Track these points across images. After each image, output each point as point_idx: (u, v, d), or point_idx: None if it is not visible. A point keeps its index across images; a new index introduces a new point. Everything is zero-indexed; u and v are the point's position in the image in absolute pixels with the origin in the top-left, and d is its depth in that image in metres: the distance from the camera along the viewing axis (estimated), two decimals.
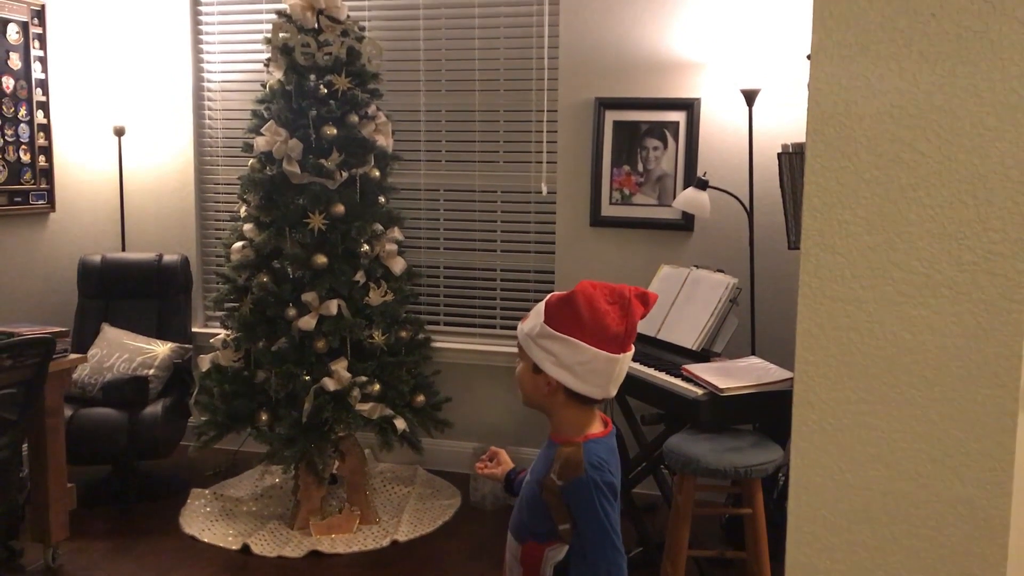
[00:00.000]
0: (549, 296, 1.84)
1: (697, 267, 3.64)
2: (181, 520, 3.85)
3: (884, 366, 1.51)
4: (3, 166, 4.15)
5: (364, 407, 3.64)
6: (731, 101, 3.89)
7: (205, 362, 3.81)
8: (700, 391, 3.03)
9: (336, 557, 3.58)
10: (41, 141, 4.34)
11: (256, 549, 3.59)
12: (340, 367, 3.62)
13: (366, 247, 3.75)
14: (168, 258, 4.45)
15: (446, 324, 4.50)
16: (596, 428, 1.86)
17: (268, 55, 3.77)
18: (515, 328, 1.92)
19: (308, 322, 3.59)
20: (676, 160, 4.02)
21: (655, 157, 4.06)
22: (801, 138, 1.53)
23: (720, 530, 3.76)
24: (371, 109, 3.80)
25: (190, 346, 4.32)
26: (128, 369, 4.06)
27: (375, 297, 3.72)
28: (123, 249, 4.77)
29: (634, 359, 3.31)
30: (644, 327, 3.56)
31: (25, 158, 4.26)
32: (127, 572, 3.44)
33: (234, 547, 3.62)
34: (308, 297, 3.61)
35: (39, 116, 4.31)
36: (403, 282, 3.92)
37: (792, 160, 3.41)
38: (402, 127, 4.36)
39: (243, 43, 4.60)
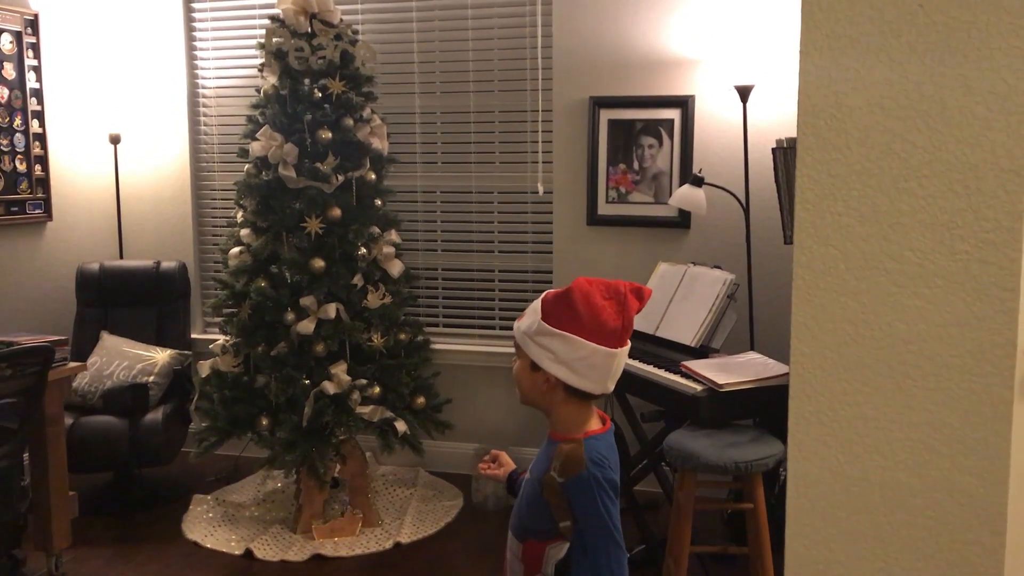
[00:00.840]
0: (545, 293, 1.84)
1: (694, 264, 3.64)
2: (183, 526, 3.86)
3: (879, 357, 1.51)
4: None
5: (364, 410, 3.65)
6: (725, 97, 3.90)
7: (205, 368, 3.82)
8: (699, 387, 3.03)
9: (339, 560, 3.58)
10: (37, 150, 4.34)
11: (259, 554, 3.59)
12: (340, 370, 3.62)
13: (363, 250, 3.75)
14: (166, 265, 4.45)
15: (445, 326, 4.51)
16: (595, 425, 1.86)
17: (262, 60, 3.78)
18: (514, 328, 1.92)
19: (307, 326, 3.60)
20: (672, 157, 4.03)
21: (651, 155, 4.06)
22: (795, 133, 1.54)
23: (722, 526, 3.76)
24: (366, 112, 3.81)
25: (189, 352, 4.33)
26: (128, 376, 4.06)
27: (373, 300, 3.72)
28: (121, 257, 4.77)
29: (633, 356, 3.33)
30: (642, 324, 3.57)
31: (21, 168, 4.26)
32: None
33: (237, 552, 3.62)
34: (306, 301, 3.61)
35: (34, 125, 4.32)
36: (401, 284, 3.92)
37: (787, 155, 3.42)
38: (397, 129, 4.37)
39: (237, 48, 4.61)
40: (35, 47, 4.31)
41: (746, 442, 2.95)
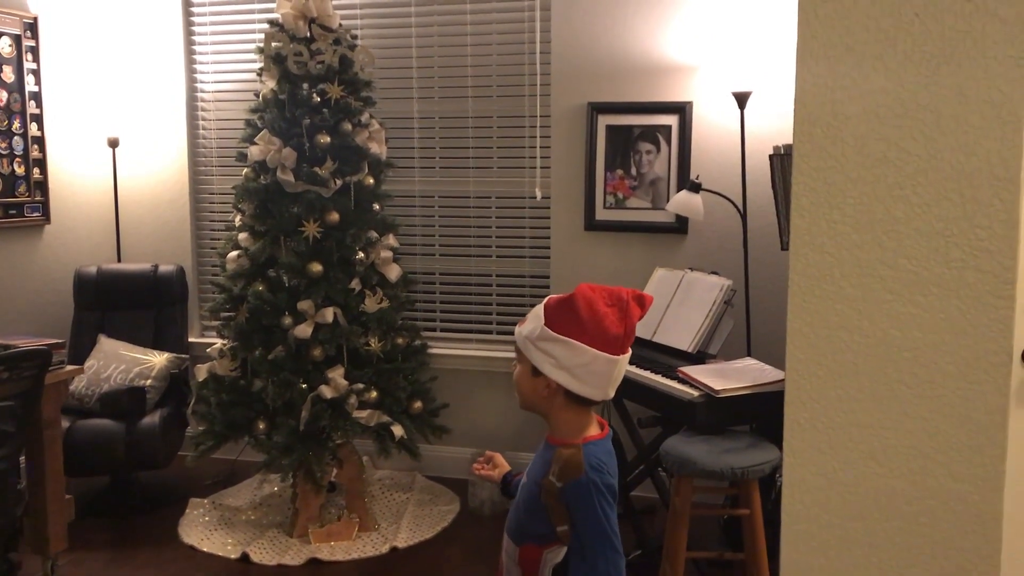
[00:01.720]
0: (548, 299, 1.85)
1: (692, 269, 3.65)
2: (180, 530, 3.85)
3: (874, 364, 1.52)
4: None
5: (361, 414, 3.65)
6: (723, 104, 3.91)
7: (202, 372, 3.81)
8: (696, 393, 3.04)
9: (335, 564, 3.58)
10: (35, 153, 4.34)
11: (255, 558, 3.59)
12: (337, 375, 3.63)
13: (361, 254, 3.75)
14: (164, 268, 4.45)
15: (442, 330, 4.51)
16: (594, 430, 1.87)
17: (261, 64, 3.78)
18: (512, 333, 1.93)
19: (304, 330, 3.60)
20: (669, 163, 4.04)
21: (648, 161, 4.07)
22: (792, 139, 1.55)
23: (718, 531, 3.76)
24: (364, 117, 3.81)
25: (187, 356, 4.32)
26: (125, 380, 4.06)
27: (371, 304, 3.73)
28: (119, 260, 4.77)
29: (631, 362, 3.33)
30: (640, 330, 3.57)
31: (19, 171, 4.27)
32: None
33: (233, 556, 3.62)
34: (304, 305, 3.62)
35: (33, 128, 4.32)
36: (399, 289, 3.92)
37: (784, 161, 3.43)
38: (396, 134, 4.37)
39: (236, 53, 4.62)
40: (34, 50, 4.31)
41: (742, 448, 2.95)
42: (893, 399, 1.54)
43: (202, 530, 3.84)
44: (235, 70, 4.63)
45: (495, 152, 4.35)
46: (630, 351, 1.85)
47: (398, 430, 3.72)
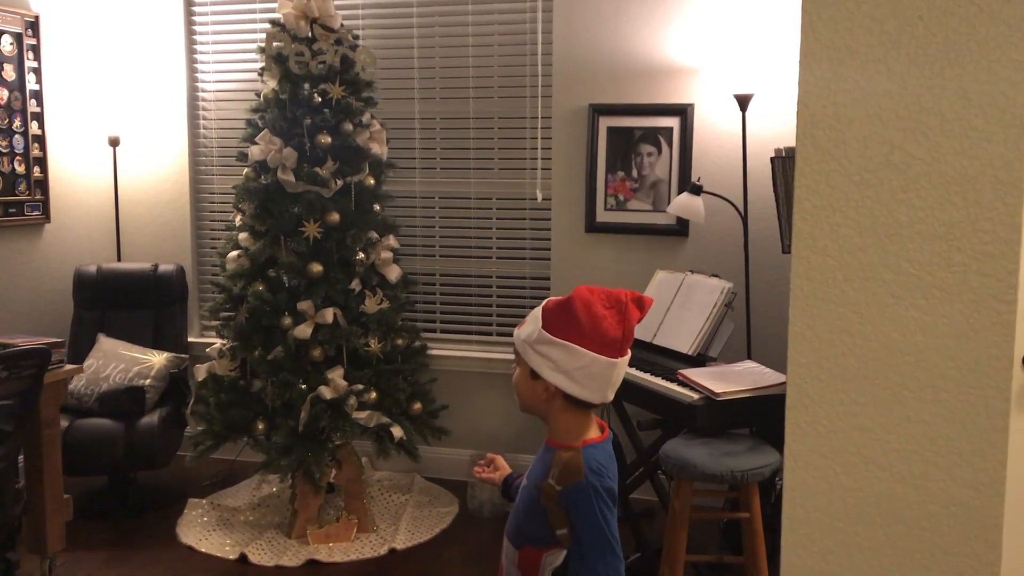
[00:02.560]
0: (546, 301, 1.84)
1: (692, 272, 3.64)
2: (178, 530, 3.84)
3: (876, 367, 1.52)
4: None
5: (361, 415, 3.64)
6: (724, 106, 3.91)
7: (201, 372, 3.81)
8: (696, 396, 3.03)
9: (334, 566, 3.57)
10: (36, 152, 4.34)
11: (254, 558, 3.58)
12: (336, 375, 3.62)
13: (361, 255, 3.75)
14: (163, 268, 4.45)
15: (442, 332, 4.50)
16: (593, 433, 1.86)
17: (262, 64, 3.78)
18: (511, 335, 1.92)
19: (304, 331, 3.59)
20: (670, 165, 4.03)
21: (649, 163, 4.07)
22: (794, 142, 1.54)
23: (718, 535, 3.76)
24: (365, 117, 3.81)
25: (186, 356, 4.32)
26: (124, 379, 4.05)
27: (371, 305, 3.72)
28: (118, 259, 4.77)
29: (631, 364, 3.32)
30: (640, 332, 3.56)
31: (20, 169, 4.26)
32: None
33: (231, 557, 3.61)
34: (304, 306, 3.61)
35: (34, 127, 4.32)
36: (399, 290, 3.92)
37: (785, 164, 3.42)
38: (397, 135, 4.37)
39: (237, 52, 4.61)
40: (35, 49, 4.31)
41: (742, 451, 2.94)
42: (895, 403, 1.53)
43: (200, 530, 3.83)
44: (236, 70, 4.63)
45: (496, 153, 4.35)
46: (629, 353, 1.84)
47: (397, 431, 3.72)
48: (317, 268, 3.61)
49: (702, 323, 3.40)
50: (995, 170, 1.44)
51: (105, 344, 4.23)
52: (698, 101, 3.98)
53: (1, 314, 4.21)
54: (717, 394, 2.98)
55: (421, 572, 3.55)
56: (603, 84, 4.10)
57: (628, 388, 3.24)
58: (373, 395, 3.69)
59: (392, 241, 3.92)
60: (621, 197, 4.11)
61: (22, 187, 4.28)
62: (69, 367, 3.46)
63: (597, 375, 1.78)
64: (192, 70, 4.71)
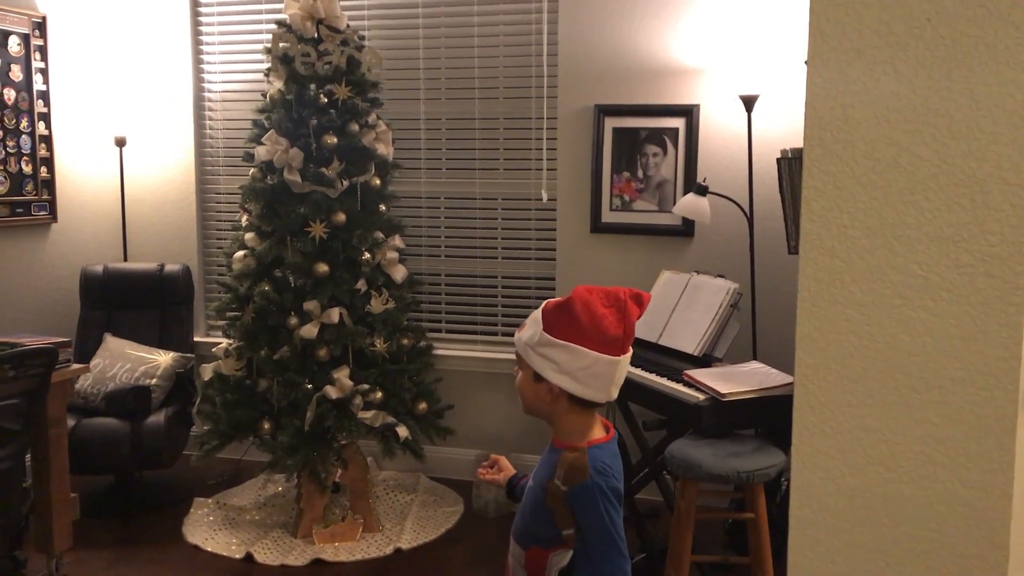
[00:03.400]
0: (545, 303, 1.84)
1: (698, 273, 3.64)
2: (184, 529, 3.86)
3: (883, 369, 1.52)
4: (5, 177, 4.16)
5: (366, 415, 3.65)
6: (730, 107, 3.91)
7: (207, 371, 3.82)
8: (702, 396, 3.03)
9: (339, 565, 3.58)
10: (43, 152, 4.35)
11: (259, 558, 3.59)
12: (342, 375, 3.63)
13: (367, 255, 3.76)
14: (170, 268, 4.46)
15: (448, 332, 4.51)
16: (598, 433, 1.86)
17: (268, 65, 3.79)
18: (515, 340, 1.92)
19: (310, 330, 3.60)
20: (676, 166, 4.03)
21: (655, 163, 4.07)
22: (800, 143, 1.54)
23: (723, 535, 3.76)
24: (371, 118, 3.81)
25: (192, 355, 4.33)
26: (130, 379, 4.07)
27: (376, 305, 3.73)
28: (125, 259, 4.78)
29: (636, 365, 3.33)
30: (645, 332, 3.58)
31: (27, 169, 4.28)
32: None
33: (237, 556, 3.62)
34: (310, 306, 3.62)
35: (40, 127, 4.33)
36: (404, 290, 3.92)
37: (791, 165, 3.42)
38: (402, 135, 4.37)
39: (243, 53, 4.62)
40: (42, 49, 4.32)
41: (748, 452, 2.94)
42: (902, 404, 1.53)
43: (206, 530, 3.84)
44: (242, 70, 4.64)
45: (501, 154, 4.35)
46: (631, 351, 1.84)
47: (403, 431, 3.73)
48: (323, 268, 3.62)
49: (708, 324, 3.40)
50: (1003, 172, 1.44)
51: (111, 344, 4.25)
52: (704, 102, 3.98)
53: (8, 313, 4.23)
54: (723, 395, 2.98)
55: (426, 572, 3.55)
56: (609, 85, 4.10)
57: (634, 388, 3.25)
58: (379, 395, 3.70)
59: (398, 241, 3.93)
60: (626, 198, 4.12)
61: (29, 187, 4.29)
62: (76, 366, 3.47)
63: (600, 374, 1.79)
64: (198, 71, 4.72)
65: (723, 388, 3.00)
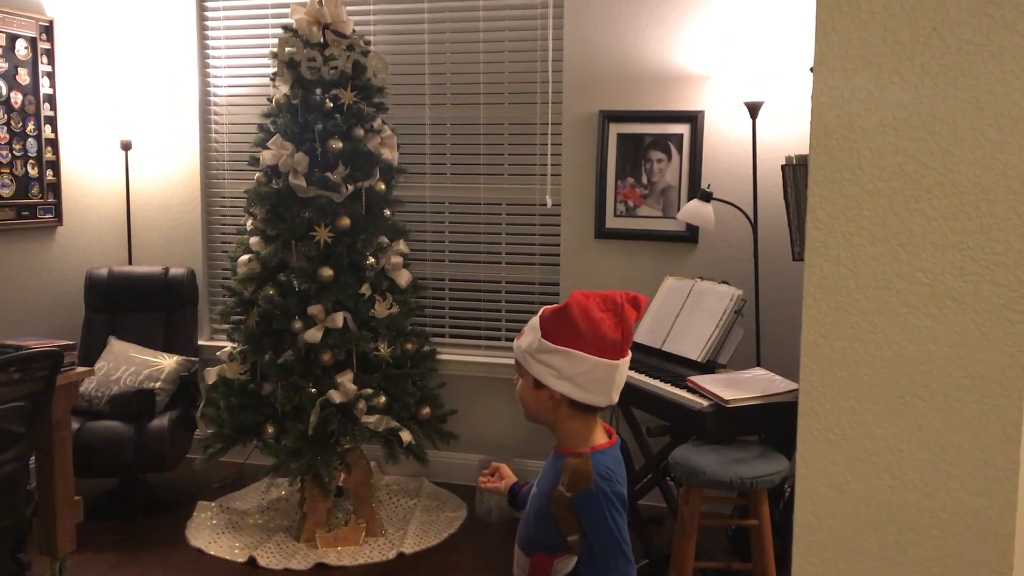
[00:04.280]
0: (542, 310, 1.84)
1: (702, 279, 3.65)
2: (187, 532, 3.86)
3: (888, 376, 1.52)
4: (11, 180, 4.18)
5: (370, 419, 3.65)
6: (735, 113, 3.91)
7: (211, 375, 3.83)
8: (705, 402, 3.03)
9: (342, 570, 3.58)
10: (49, 155, 4.37)
11: (262, 561, 3.59)
12: (346, 379, 3.63)
13: (372, 260, 3.76)
14: (174, 271, 4.47)
15: (451, 336, 4.51)
16: (601, 438, 1.87)
17: (274, 69, 3.80)
18: (514, 347, 1.93)
19: (314, 335, 3.60)
20: (680, 172, 4.04)
21: (659, 169, 4.07)
22: (805, 150, 1.55)
23: (726, 541, 3.75)
24: (376, 123, 3.82)
25: (196, 359, 4.34)
26: (135, 382, 4.07)
27: (381, 309, 3.73)
28: (130, 262, 4.79)
29: (640, 370, 3.34)
30: (649, 339, 3.58)
31: (33, 172, 4.29)
32: None
33: (240, 559, 3.62)
34: (314, 310, 3.62)
35: (47, 130, 4.35)
36: (409, 294, 3.93)
37: (796, 172, 3.42)
38: (407, 140, 4.38)
39: (249, 57, 4.64)
40: (49, 53, 4.34)
41: (751, 458, 2.94)
42: (907, 412, 1.53)
43: (210, 533, 3.84)
44: (248, 75, 4.65)
45: (506, 159, 4.36)
46: (630, 354, 1.85)
47: (406, 435, 3.73)
48: (327, 272, 3.62)
49: (711, 330, 3.40)
50: (1008, 180, 1.44)
51: (116, 347, 4.25)
52: (708, 108, 3.98)
53: (13, 316, 4.24)
54: (726, 401, 2.98)
55: None
56: (613, 91, 4.10)
57: (637, 394, 3.25)
58: (382, 399, 3.70)
59: (402, 246, 3.93)
60: (631, 203, 4.12)
61: (35, 190, 4.30)
62: (80, 369, 3.48)
63: (600, 378, 1.79)
64: (204, 75, 4.73)
65: (727, 394, 3.00)
